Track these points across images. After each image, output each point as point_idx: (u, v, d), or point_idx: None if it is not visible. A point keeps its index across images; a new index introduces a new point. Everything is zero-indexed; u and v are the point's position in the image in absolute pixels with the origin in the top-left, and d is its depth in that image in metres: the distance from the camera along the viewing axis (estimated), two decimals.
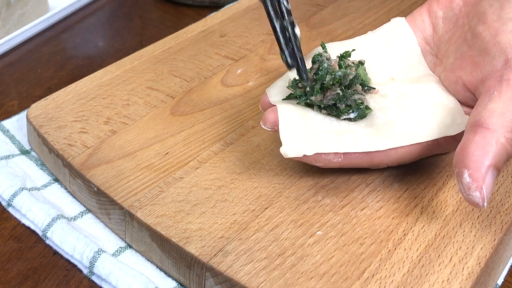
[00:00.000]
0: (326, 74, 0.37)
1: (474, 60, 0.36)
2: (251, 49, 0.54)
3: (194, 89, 0.49)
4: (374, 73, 0.40)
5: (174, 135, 0.43)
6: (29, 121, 0.45)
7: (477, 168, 0.31)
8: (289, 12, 0.37)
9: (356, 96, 0.37)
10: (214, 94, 0.48)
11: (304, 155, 0.36)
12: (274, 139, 0.43)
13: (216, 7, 0.69)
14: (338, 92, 0.37)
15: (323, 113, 0.38)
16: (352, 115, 0.37)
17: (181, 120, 0.45)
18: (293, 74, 0.39)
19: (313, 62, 0.39)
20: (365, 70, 0.39)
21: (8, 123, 0.49)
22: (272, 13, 0.37)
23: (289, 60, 0.37)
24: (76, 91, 0.48)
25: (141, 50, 0.54)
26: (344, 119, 0.38)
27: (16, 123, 0.49)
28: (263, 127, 0.38)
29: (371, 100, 0.38)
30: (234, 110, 0.46)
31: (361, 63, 0.39)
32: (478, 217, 0.37)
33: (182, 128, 0.44)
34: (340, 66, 0.38)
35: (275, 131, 0.37)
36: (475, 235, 0.35)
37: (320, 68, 0.38)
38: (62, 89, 0.48)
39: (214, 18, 0.59)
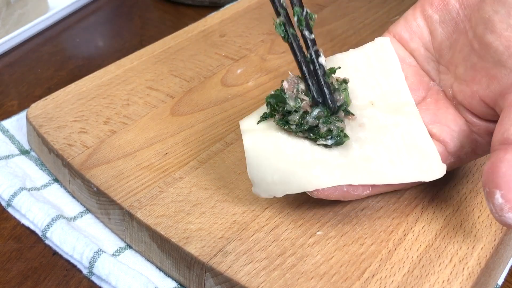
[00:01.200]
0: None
1: (490, 73, 0.34)
2: (251, 49, 0.54)
3: (194, 89, 0.49)
4: (354, 94, 0.38)
5: (174, 135, 0.43)
6: (28, 121, 0.45)
7: (510, 188, 0.30)
8: (313, 42, 0.36)
9: (340, 124, 0.35)
10: (214, 94, 0.48)
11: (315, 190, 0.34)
12: None
13: (216, 7, 0.69)
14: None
15: (297, 136, 0.36)
16: (329, 142, 0.35)
17: (181, 120, 0.45)
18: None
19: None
20: (347, 90, 0.37)
21: (8, 123, 0.49)
22: (297, 50, 0.35)
23: (315, 95, 0.35)
24: (76, 91, 0.48)
25: (141, 50, 0.54)
26: (320, 144, 0.35)
27: (16, 123, 0.49)
28: None
29: (347, 127, 0.36)
30: (234, 110, 0.46)
31: (345, 81, 0.37)
32: (478, 217, 0.37)
33: (182, 128, 0.44)
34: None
35: None
36: (475, 235, 0.35)
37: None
38: (62, 89, 0.48)
39: (214, 18, 0.59)
